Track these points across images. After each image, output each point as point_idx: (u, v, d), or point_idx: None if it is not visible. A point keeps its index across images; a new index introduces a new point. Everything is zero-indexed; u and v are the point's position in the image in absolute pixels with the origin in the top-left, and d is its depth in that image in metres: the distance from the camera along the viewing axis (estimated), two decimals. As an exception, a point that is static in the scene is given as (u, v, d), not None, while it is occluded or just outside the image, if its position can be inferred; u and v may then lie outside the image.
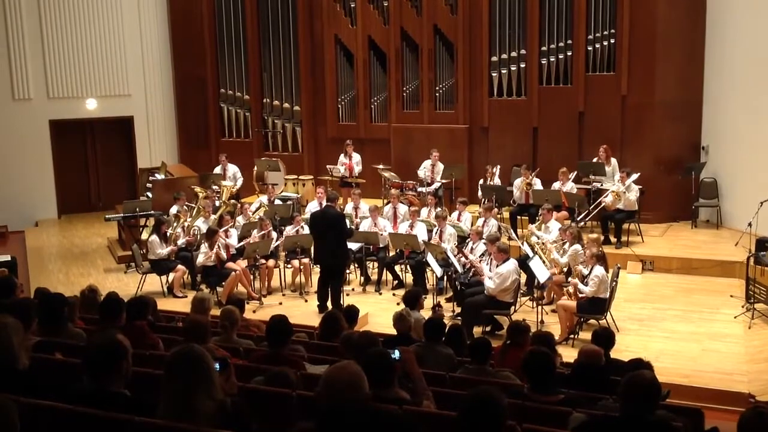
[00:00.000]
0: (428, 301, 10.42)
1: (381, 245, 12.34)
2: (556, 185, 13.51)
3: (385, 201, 14.08)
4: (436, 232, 11.98)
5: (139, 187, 16.44)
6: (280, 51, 17.47)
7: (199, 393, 3.40)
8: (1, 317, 4.14)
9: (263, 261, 11.98)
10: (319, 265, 11.32)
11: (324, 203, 11.94)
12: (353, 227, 12.15)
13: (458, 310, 10.66)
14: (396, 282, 12.21)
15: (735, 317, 10.45)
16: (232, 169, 15.68)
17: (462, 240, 11.85)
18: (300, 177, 16.43)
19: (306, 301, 11.63)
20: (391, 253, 12.36)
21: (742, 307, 10.60)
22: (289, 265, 12.28)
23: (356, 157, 15.58)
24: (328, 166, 15.74)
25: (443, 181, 14.74)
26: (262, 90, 17.74)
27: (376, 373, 3.96)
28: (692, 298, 11.41)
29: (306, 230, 12.26)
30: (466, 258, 10.87)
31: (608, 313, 9.97)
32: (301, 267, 12.03)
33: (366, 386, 3.31)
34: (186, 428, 3.32)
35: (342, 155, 15.59)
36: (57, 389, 3.83)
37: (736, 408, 7.40)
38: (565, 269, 10.83)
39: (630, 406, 4.07)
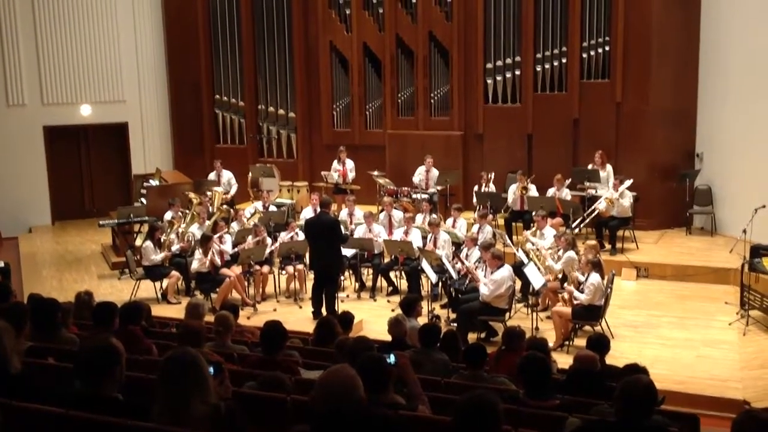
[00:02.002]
0: (423, 308, 10.38)
1: (376, 251, 12.32)
2: (550, 192, 13.52)
3: (380, 208, 14.08)
4: (430, 239, 11.97)
5: (133, 193, 16.39)
6: (275, 57, 17.47)
7: (192, 397, 3.38)
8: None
9: (258, 267, 11.94)
10: (313, 272, 11.29)
11: (318, 209, 11.95)
12: (347, 233, 12.11)
13: (453, 316, 10.64)
14: (391, 288, 12.19)
15: (730, 324, 10.45)
16: (227, 175, 15.67)
17: (457, 246, 11.84)
18: (295, 183, 16.42)
19: (300, 307, 11.60)
20: (386, 260, 12.34)
21: (737, 314, 10.62)
22: (284, 272, 12.25)
23: (350, 164, 15.57)
24: (322, 173, 15.73)
25: (438, 187, 14.74)
26: (257, 96, 17.73)
27: (371, 377, 3.93)
28: (687, 305, 11.42)
29: (301, 236, 12.24)
30: (462, 264, 10.86)
31: (603, 319, 9.96)
32: (296, 273, 12.00)
33: (361, 389, 3.28)
34: (179, 432, 3.30)
35: (335, 162, 15.59)
36: (49, 393, 3.80)
37: (731, 415, 7.36)
38: (560, 276, 10.83)
39: (626, 411, 4.05)
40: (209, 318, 7.90)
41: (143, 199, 14.72)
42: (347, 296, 12.05)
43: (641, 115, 14.35)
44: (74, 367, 3.79)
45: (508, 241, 12.45)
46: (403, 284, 12.05)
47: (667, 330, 10.44)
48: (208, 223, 12.79)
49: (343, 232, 11.53)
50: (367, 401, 3.51)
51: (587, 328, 9.93)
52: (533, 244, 11.42)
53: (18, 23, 16.72)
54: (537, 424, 4.59)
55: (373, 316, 10.90)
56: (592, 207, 13.14)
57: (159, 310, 10.79)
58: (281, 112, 17.51)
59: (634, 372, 5.37)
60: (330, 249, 10.91)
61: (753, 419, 3.58)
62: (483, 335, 10.22)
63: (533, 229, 11.90)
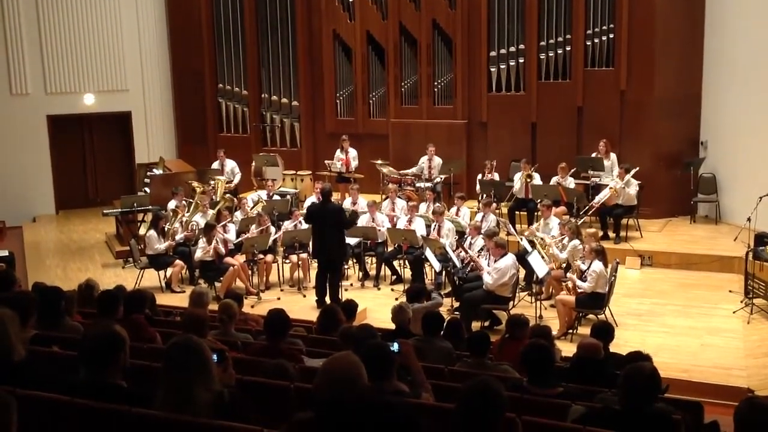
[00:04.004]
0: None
1: (379, 240, 12.31)
2: (554, 180, 13.49)
3: (384, 196, 14.07)
4: (434, 228, 11.96)
5: (137, 182, 16.40)
6: (278, 46, 17.43)
7: (196, 384, 3.38)
8: (-2, 309, 4.12)
9: (261, 256, 11.95)
10: (317, 260, 11.30)
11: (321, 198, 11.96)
12: (355, 213, 12.11)
13: (457, 304, 10.64)
14: (394, 277, 12.19)
15: (734, 312, 10.44)
16: (230, 164, 15.66)
17: (460, 235, 11.83)
18: (298, 172, 16.40)
19: (304, 296, 11.63)
20: (390, 248, 12.33)
21: (741, 302, 10.59)
22: (288, 260, 12.26)
23: (352, 152, 15.55)
24: (326, 162, 15.71)
25: (442, 176, 14.71)
26: (260, 85, 17.70)
27: (374, 364, 3.93)
28: (691, 293, 11.40)
29: (304, 225, 12.24)
30: (465, 252, 10.85)
31: (607, 307, 9.95)
32: (300, 262, 12.01)
33: (364, 376, 3.28)
34: (183, 419, 3.30)
35: (338, 150, 15.56)
36: (53, 381, 3.81)
37: (735, 403, 7.35)
38: (564, 264, 10.81)
39: (630, 399, 4.06)
40: (213, 306, 7.91)
41: (147, 188, 14.73)
42: (351, 285, 12.06)
43: (645, 103, 14.30)
44: (78, 355, 3.80)
45: (512, 229, 12.44)
46: (407, 273, 12.05)
47: (671, 318, 10.44)
48: (211, 212, 12.80)
49: (347, 217, 11.47)
50: (371, 388, 3.51)
51: (591, 316, 9.92)
52: (543, 239, 11.35)
53: (21, 12, 16.69)
54: (540, 412, 4.59)
55: (376, 305, 10.90)
56: (597, 197, 13.10)
57: (163, 299, 10.79)
58: (284, 100, 17.48)
59: (638, 359, 5.37)
60: (335, 237, 10.91)
61: (754, 406, 3.60)
62: (486, 324, 10.23)
63: (538, 222, 11.86)
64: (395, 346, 4.52)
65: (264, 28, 17.49)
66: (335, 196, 13.26)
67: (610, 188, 12.98)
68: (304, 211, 12.57)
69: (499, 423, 3.41)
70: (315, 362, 5.49)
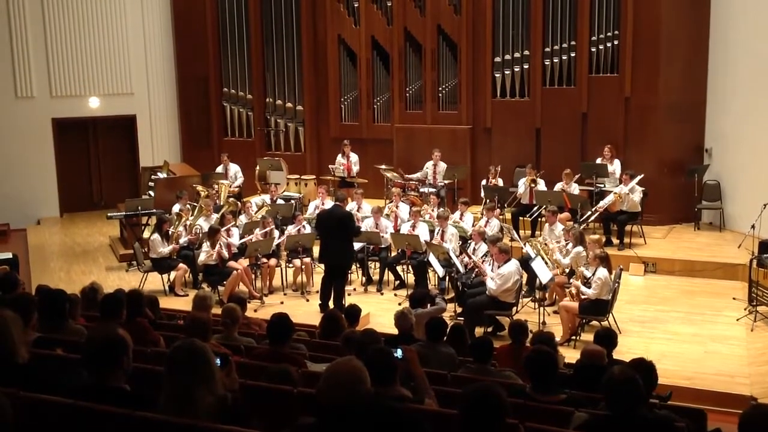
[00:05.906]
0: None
1: (383, 245, 12.31)
2: (559, 186, 13.49)
3: (388, 201, 14.07)
4: (437, 233, 11.96)
5: (141, 185, 16.43)
6: (283, 50, 17.47)
7: (199, 387, 3.38)
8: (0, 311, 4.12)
9: (265, 260, 11.96)
10: (324, 265, 11.30)
11: (327, 202, 11.96)
12: (359, 225, 12.13)
13: (460, 310, 10.63)
14: (398, 282, 12.19)
15: (737, 320, 10.41)
16: (234, 168, 15.68)
17: (464, 241, 11.83)
18: (302, 177, 16.41)
19: (307, 300, 11.62)
20: (393, 253, 12.33)
21: (745, 309, 10.57)
22: (291, 265, 12.27)
23: (354, 157, 15.57)
24: (330, 166, 15.73)
25: (446, 181, 14.72)
26: (265, 89, 17.73)
27: (378, 370, 3.93)
28: (695, 301, 11.38)
29: (308, 229, 12.25)
30: (469, 258, 10.84)
31: (610, 314, 9.94)
32: (303, 266, 12.01)
33: (367, 381, 3.28)
34: (185, 423, 3.30)
35: (340, 155, 15.58)
36: (57, 384, 3.81)
37: (738, 410, 7.33)
38: (567, 270, 10.80)
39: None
40: (216, 310, 7.91)
41: (151, 192, 14.74)
42: (354, 290, 12.06)
43: (650, 109, 14.29)
44: (82, 358, 3.80)
45: (516, 235, 12.44)
46: (410, 278, 12.04)
47: (674, 325, 10.41)
48: (215, 215, 12.82)
49: (356, 224, 11.50)
50: (374, 394, 3.51)
51: (594, 323, 9.91)
52: (545, 244, 11.32)
53: (27, 16, 16.75)
54: (544, 419, 4.59)
55: (380, 310, 10.90)
56: (601, 202, 13.08)
57: (166, 303, 10.79)
58: (289, 105, 17.51)
59: (640, 366, 5.35)
60: (342, 243, 10.90)
61: (760, 413, 3.59)
62: (490, 329, 10.21)
63: (546, 231, 11.82)
64: (398, 352, 4.52)
65: (269, 33, 17.53)
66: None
67: (615, 194, 12.96)
68: (307, 215, 12.60)
69: (500, 428, 3.40)
70: (318, 367, 5.49)
